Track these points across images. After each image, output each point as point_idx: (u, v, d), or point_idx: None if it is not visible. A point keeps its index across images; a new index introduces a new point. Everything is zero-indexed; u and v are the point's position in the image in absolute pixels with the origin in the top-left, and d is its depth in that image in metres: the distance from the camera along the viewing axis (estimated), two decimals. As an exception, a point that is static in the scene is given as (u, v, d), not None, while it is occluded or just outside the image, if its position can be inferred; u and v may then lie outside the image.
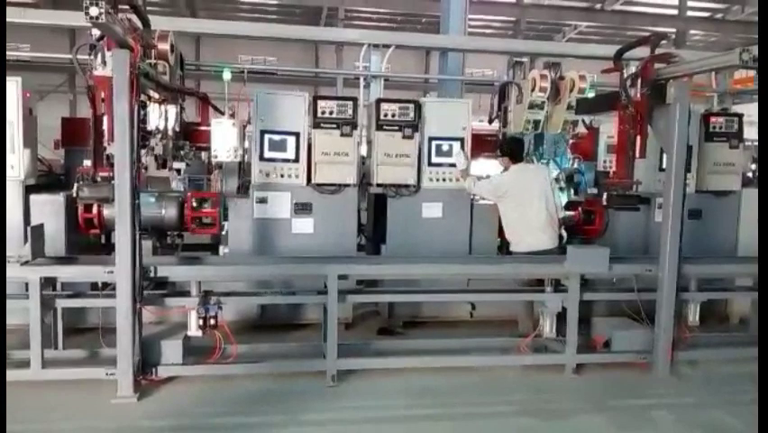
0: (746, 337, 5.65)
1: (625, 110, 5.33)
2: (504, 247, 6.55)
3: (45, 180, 6.07)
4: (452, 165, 6.08)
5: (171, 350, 4.61)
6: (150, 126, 5.09)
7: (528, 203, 5.52)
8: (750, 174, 7.58)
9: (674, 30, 18.42)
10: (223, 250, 5.96)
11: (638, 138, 5.34)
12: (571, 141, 6.62)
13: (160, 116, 5.20)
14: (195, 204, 5.67)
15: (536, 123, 6.20)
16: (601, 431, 4.19)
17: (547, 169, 5.91)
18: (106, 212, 5.42)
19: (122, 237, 4.21)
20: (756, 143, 9.30)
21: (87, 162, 4.62)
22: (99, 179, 4.51)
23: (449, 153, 6.10)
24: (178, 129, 5.50)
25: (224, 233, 6.04)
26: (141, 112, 4.55)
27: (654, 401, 4.66)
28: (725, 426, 4.32)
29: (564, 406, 4.57)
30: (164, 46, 5.05)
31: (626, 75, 5.33)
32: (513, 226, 5.62)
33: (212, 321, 4.60)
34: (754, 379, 4.81)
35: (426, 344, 5.37)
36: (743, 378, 5.03)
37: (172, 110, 5.30)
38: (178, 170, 5.72)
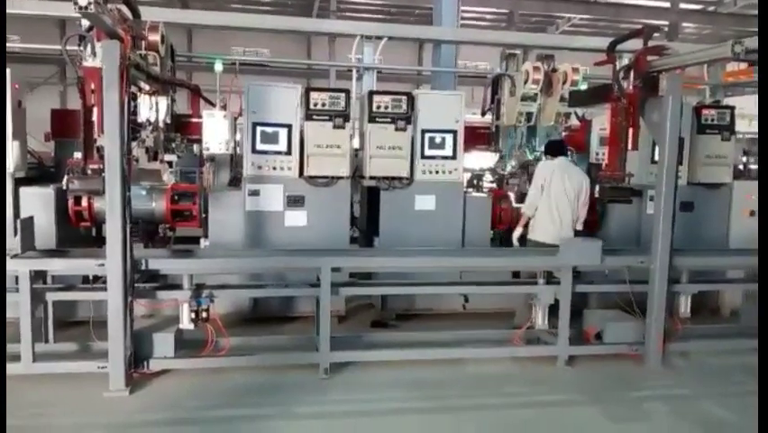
0: (737, 329, 5.70)
1: (617, 102, 5.33)
2: (498, 239, 6.57)
3: (35, 173, 6.01)
4: (446, 158, 6.07)
5: (163, 343, 4.59)
6: (141, 118, 5.05)
7: (562, 194, 5.57)
8: (741, 166, 7.62)
9: (667, 22, 18.43)
10: (203, 243, 5.93)
11: (631, 130, 5.35)
12: (563, 133, 6.63)
13: (151, 108, 5.16)
14: (174, 197, 5.65)
15: (529, 115, 6.22)
16: (594, 423, 4.21)
17: (589, 180, 5.87)
18: (97, 204, 5.38)
19: (112, 230, 4.18)
20: (747, 136, 9.36)
21: (78, 154, 4.58)
22: (90, 171, 4.46)
23: (442, 146, 6.08)
24: (169, 121, 5.46)
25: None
26: (132, 103, 4.51)
27: (647, 393, 4.69)
28: (716, 417, 4.35)
29: (557, 398, 4.59)
30: (155, 37, 5.00)
31: (618, 67, 5.33)
32: (541, 211, 5.63)
33: (204, 314, 4.59)
34: (746, 370, 4.88)
35: (420, 336, 5.38)
36: (734, 369, 5.08)
37: (163, 102, 5.26)
38: (170, 163, 5.68)
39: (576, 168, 5.95)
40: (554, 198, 5.59)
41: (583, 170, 6.29)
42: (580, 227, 5.76)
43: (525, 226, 5.77)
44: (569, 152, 6.09)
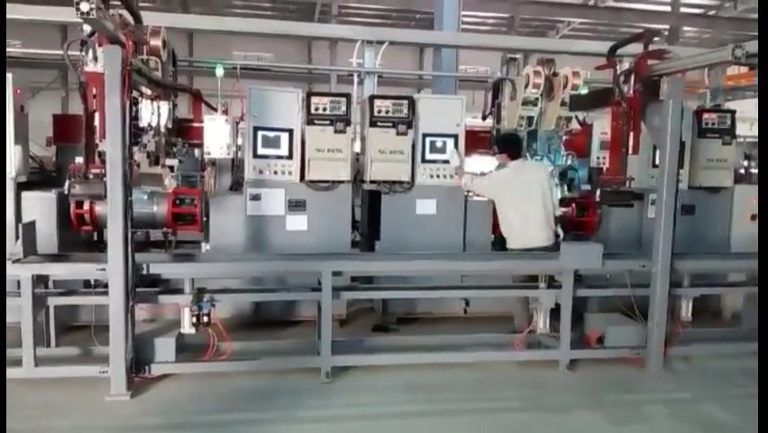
0: (739, 332, 5.69)
1: (618, 106, 5.34)
2: (498, 243, 6.56)
3: (37, 177, 6.03)
4: (447, 162, 6.08)
5: (164, 348, 4.59)
6: (143, 123, 5.06)
7: (527, 200, 5.47)
8: (742, 170, 7.63)
9: (667, 26, 18.45)
10: (204, 247, 5.93)
11: (631, 134, 5.35)
12: (564, 137, 6.63)
13: (153, 113, 5.17)
14: (176, 201, 5.65)
15: (530, 119, 6.20)
16: (595, 426, 4.20)
17: (545, 166, 5.87)
18: (99, 209, 5.38)
19: (114, 234, 4.19)
20: (748, 140, 9.37)
21: (80, 159, 4.59)
22: (91, 175, 4.47)
23: (443, 150, 6.09)
24: (170, 125, 5.47)
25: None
26: (134, 108, 4.52)
27: (648, 396, 4.69)
28: (718, 420, 4.34)
29: (558, 402, 4.58)
30: (156, 42, 5.01)
31: (619, 71, 5.33)
32: (510, 223, 5.56)
33: (205, 318, 4.59)
34: (747, 373, 4.88)
35: (421, 340, 5.37)
36: (736, 373, 5.08)
37: (165, 106, 5.26)
38: (171, 167, 5.68)
39: (531, 162, 5.90)
40: (519, 205, 5.47)
41: (583, 172, 6.31)
42: (559, 213, 5.70)
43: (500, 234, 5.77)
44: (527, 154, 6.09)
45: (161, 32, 5.10)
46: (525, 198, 5.48)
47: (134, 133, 4.52)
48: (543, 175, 5.64)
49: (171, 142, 5.62)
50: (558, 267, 5.02)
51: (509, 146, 5.73)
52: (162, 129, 5.29)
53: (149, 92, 5.04)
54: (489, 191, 5.75)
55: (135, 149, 4.64)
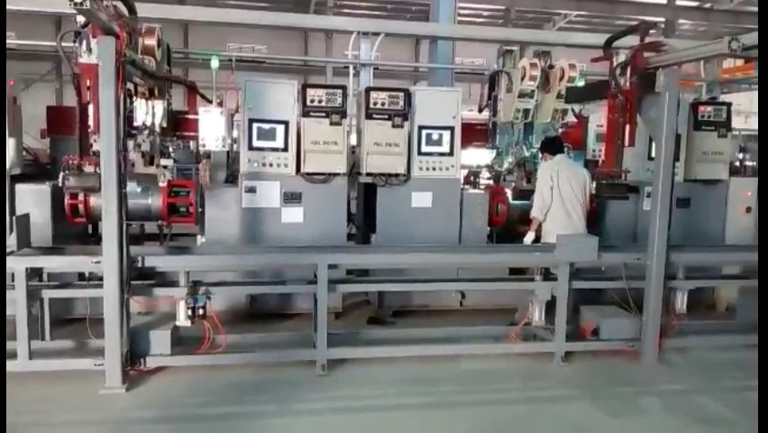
0: (733, 325, 5.72)
1: (614, 99, 5.33)
2: (498, 236, 6.57)
3: (31, 170, 6.00)
4: (442, 154, 6.07)
5: (160, 340, 4.58)
6: (137, 122, 5.03)
7: (570, 193, 5.61)
8: (738, 163, 7.64)
9: (663, 19, 18.45)
10: (200, 239, 5.92)
11: (627, 127, 5.34)
12: (560, 130, 6.63)
13: (147, 112, 5.14)
14: (171, 192, 5.61)
15: (526, 111, 6.21)
16: (590, 418, 4.21)
17: (588, 172, 5.91)
18: (93, 201, 5.36)
19: (109, 227, 4.17)
20: (744, 132, 9.38)
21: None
22: (86, 168, 4.44)
23: (439, 142, 6.08)
24: (165, 125, 5.43)
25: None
26: (128, 101, 4.49)
27: (643, 388, 4.70)
28: (712, 412, 4.35)
29: (554, 393, 4.59)
30: (151, 41, 4.97)
31: (615, 63, 5.32)
32: (554, 213, 5.64)
33: (200, 311, 4.58)
34: (742, 366, 4.91)
35: (417, 333, 5.37)
36: (730, 365, 5.10)
37: (159, 106, 5.24)
38: (166, 167, 5.66)
39: (575, 163, 5.99)
40: (566, 199, 5.61)
41: (583, 166, 6.32)
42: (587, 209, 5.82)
43: (536, 230, 5.77)
44: (566, 149, 6.11)
45: (156, 31, 5.06)
46: (567, 194, 5.61)
47: (129, 130, 4.49)
48: (584, 177, 5.76)
49: (165, 142, 5.59)
50: (554, 260, 5.03)
51: (546, 145, 5.89)
52: (157, 128, 5.27)
53: (143, 89, 5.00)
54: (545, 183, 5.70)
55: (130, 144, 4.61)
